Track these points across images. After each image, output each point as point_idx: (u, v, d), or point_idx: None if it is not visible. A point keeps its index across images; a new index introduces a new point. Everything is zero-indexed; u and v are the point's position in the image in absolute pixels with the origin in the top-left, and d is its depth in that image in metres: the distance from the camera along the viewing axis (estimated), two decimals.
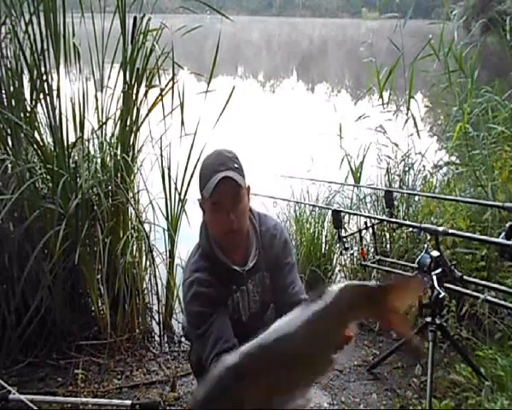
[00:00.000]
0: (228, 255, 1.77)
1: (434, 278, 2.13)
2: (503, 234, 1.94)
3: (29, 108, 2.78)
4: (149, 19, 2.84)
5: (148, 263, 2.99)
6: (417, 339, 1.51)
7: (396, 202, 3.21)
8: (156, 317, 3.11)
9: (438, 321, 2.19)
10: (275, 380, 1.29)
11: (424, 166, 3.66)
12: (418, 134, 3.65)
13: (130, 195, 2.91)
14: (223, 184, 1.61)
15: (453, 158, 4.04)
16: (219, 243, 1.77)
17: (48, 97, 2.69)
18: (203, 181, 1.68)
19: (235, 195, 1.65)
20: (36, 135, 2.78)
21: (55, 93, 2.71)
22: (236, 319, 1.82)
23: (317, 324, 1.39)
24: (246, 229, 1.75)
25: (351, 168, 3.89)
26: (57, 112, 2.71)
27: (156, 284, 3.00)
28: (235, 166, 1.67)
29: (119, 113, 2.90)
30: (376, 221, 3.02)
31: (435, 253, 2.18)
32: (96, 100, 2.92)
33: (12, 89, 2.70)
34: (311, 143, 5.73)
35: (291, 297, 1.82)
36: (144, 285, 3.04)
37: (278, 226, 1.89)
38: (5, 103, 2.68)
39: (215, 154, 1.70)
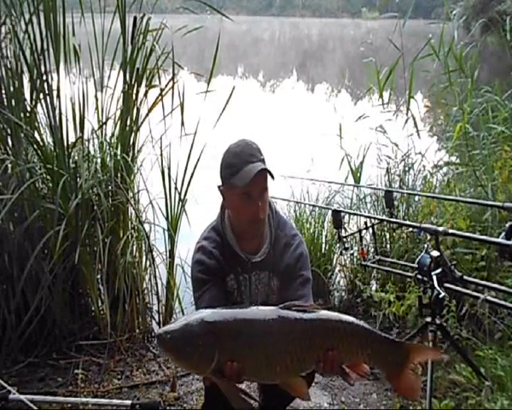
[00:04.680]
0: (238, 241, 1.81)
1: (434, 278, 2.13)
2: (503, 234, 1.94)
3: (29, 108, 2.79)
4: (149, 19, 2.84)
5: (148, 263, 2.99)
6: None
7: (396, 202, 3.21)
8: (156, 317, 3.11)
9: (438, 321, 2.19)
10: (238, 349, 1.36)
11: (424, 166, 3.65)
12: (418, 134, 3.65)
13: (130, 195, 2.91)
14: (259, 176, 1.66)
15: (453, 158, 4.04)
16: (235, 229, 1.80)
17: (48, 97, 2.70)
18: (232, 170, 1.69)
19: (266, 186, 1.72)
20: (36, 135, 2.78)
21: (55, 93, 2.72)
22: (238, 302, 1.84)
23: (301, 328, 1.46)
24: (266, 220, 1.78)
25: (351, 168, 3.89)
26: (57, 112, 2.72)
27: (156, 284, 3.00)
28: (262, 157, 1.73)
29: (119, 113, 2.91)
30: (376, 221, 3.01)
31: (435, 253, 2.17)
32: (96, 100, 2.93)
33: (12, 89, 2.70)
34: (311, 142, 5.72)
35: None
36: (144, 285, 3.04)
37: (297, 238, 1.86)
38: (5, 103, 2.69)
39: (243, 144, 1.74)
